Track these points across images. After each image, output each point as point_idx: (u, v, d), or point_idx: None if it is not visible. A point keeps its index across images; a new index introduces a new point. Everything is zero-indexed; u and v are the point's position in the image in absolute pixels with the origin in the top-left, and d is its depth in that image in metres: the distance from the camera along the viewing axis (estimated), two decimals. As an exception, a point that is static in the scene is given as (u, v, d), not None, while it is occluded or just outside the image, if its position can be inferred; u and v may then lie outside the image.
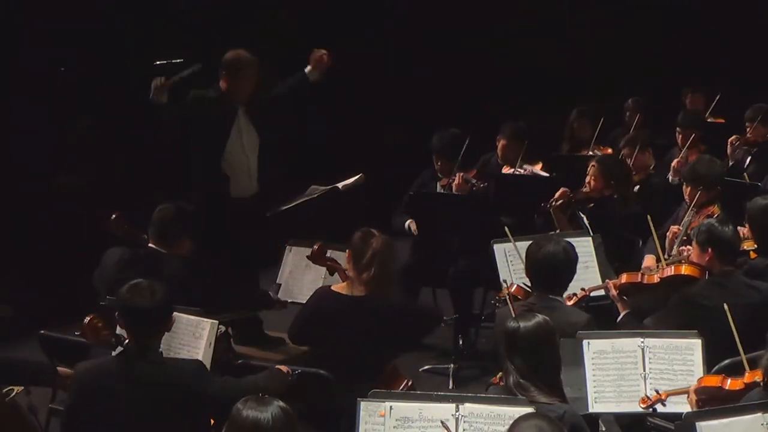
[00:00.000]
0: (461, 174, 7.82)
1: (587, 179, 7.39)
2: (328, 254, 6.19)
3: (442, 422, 4.21)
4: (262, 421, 3.74)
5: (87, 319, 4.88)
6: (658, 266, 6.01)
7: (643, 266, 6.46)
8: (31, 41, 8.43)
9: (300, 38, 9.63)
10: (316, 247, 6.15)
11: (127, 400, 4.58)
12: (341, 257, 6.07)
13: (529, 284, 5.65)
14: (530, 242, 5.68)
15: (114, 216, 6.11)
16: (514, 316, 4.65)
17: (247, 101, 6.86)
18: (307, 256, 6.25)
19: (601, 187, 7.34)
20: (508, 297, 5.25)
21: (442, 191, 7.92)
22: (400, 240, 8.10)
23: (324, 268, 6.23)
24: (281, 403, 3.80)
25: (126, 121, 8.90)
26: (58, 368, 5.25)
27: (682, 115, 8.98)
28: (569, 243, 5.58)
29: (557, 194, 7.23)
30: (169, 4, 9.12)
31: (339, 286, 5.74)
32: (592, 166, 7.42)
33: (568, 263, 5.47)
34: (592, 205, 7.30)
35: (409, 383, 5.73)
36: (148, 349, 4.70)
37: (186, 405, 4.61)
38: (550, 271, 5.44)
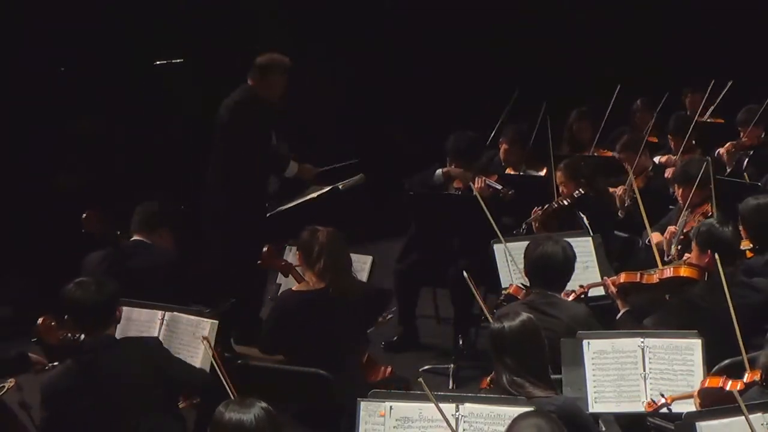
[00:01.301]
0: (483, 177, 7.73)
1: (560, 188, 7.40)
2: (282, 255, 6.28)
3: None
4: (246, 422, 3.75)
5: (39, 321, 4.89)
6: (655, 270, 6.00)
7: (653, 243, 6.47)
8: (31, 41, 8.44)
9: (300, 38, 9.66)
10: (265, 249, 6.19)
11: (96, 394, 4.64)
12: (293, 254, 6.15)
13: (527, 283, 5.66)
14: (527, 242, 5.71)
15: (86, 213, 6.10)
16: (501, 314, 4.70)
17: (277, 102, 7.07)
18: (259, 262, 6.28)
19: (572, 189, 7.34)
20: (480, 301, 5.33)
21: (458, 193, 7.83)
22: (399, 240, 8.11)
23: None
24: (263, 404, 3.82)
25: (126, 121, 8.91)
26: (30, 354, 5.26)
27: (672, 121, 8.94)
28: (567, 242, 5.61)
29: (532, 216, 7.24)
30: (169, 4, 9.12)
31: (298, 286, 5.83)
32: (558, 173, 7.43)
33: (567, 262, 5.50)
34: (570, 208, 7.28)
35: (388, 369, 5.78)
36: (103, 339, 4.74)
37: (151, 379, 4.71)
38: (549, 269, 5.47)
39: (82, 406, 4.63)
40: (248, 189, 7.22)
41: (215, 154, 7.29)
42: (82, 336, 4.76)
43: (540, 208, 7.27)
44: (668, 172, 8.32)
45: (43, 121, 8.51)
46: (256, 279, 7.25)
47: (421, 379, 4.16)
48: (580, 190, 7.29)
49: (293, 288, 5.84)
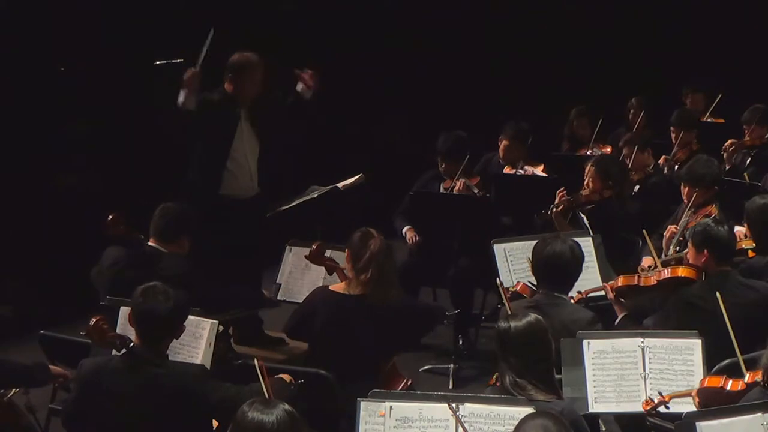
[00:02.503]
0: (463, 180, 7.76)
1: (585, 181, 7.39)
2: (327, 254, 6.21)
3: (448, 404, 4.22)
4: (267, 424, 3.71)
5: (93, 321, 4.87)
6: (653, 268, 6.00)
7: (639, 267, 6.46)
8: (31, 41, 8.43)
9: (300, 38, 9.67)
10: (314, 246, 6.17)
11: (129, 402, 4.59)
12: (339, 257, 6.08)
13: (535, 282, 5.66)
14: (526, 242, 5.70)
15: (111, 216, 6.08)
16: (509, 314, 4.68)
17: (252, 103, 6.92)
18: (306, 256, 6.26)
19: (599, 189, 7.33)
20: (504, 296, 5.28)
21: (453, 193, 7.86)
22: (400, 239, 8.12)
23: (323, 269, 6.24)
24: (287, 406, 3.77)
25: (126, 120, 8.91)
26: (51, 367, 5.26)
27: (675, 115, 9.00)
28: (576, 242, 5.59)
29: (557, 200, 7.24)
30: (169, 4, 9.12)
31: (337, 286, 5.76)
32: (590, 167, 7.42)
33: (575, 262, 5.48)
34: (591, 206, 7.29)
35: (409, 382, 5.75)
36: (155, 352, 4.70)
37: (188, 409, 4.62)
38: (556, 269, 5.45)
39: (111, 407, 4.61)
40: (200, 190, 7.10)
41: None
42: (132, 343, 4.73)
43: (563, 191, 7.28)
44: (662, 160, 8.42)
45: (43, 121, 8.50)
46: (251, 279, 7.24)
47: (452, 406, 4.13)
48: (610, 192, 7.30)
49: (330, 287, 5.78)
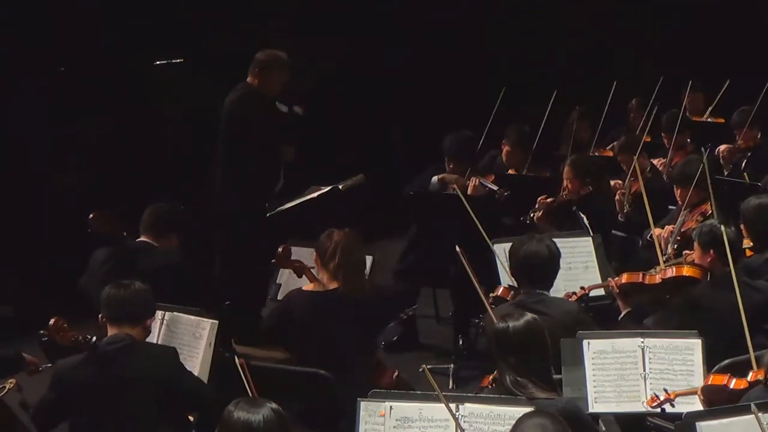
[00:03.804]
0: (477, 178, 7.72)
1: (564, 183, 7.40)
2: (293, 256, 6.26)
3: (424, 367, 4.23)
4: (254, 423, 3.72)
5: (51, 321, 4.90)
6: (657, 268, 6.00)
7: (653, 236, 6.44)
8: (31, 41, 8.44)
9: (300, 38, 9.66)
10: (280, 250, 6.21)
11: (107, 392, 4.65)
12: (306, 254, 6.15)
13: (515, 284, 5.67)
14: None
15: (92, 214, 6.09)
16: (493, 320, 4.71)
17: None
18: (273, 262, 6.29)
19: (577, 188, 7.34)
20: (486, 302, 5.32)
21: (452, 193, 7.82)
22: (398, 240, 8.12)
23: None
24: (273, 405, 3.79)
25: (126, 121, 8.92)
26: (24, 355, 5.28)
27: (665, 118, 8.96)
28: (551, 240, 5.63)
29: (537, 205, 7.25)
30: (169, 4, 9.12)
31: (309, 286, 5.84)
32: (566, 168, 7.43)
33: (552, 259, 5.52)
34: (574, 208, 7.29)
35: (395, 374, 5.79)
36: (121, 338, 4.76)
37: (160, 388, 4.71)
38: (534, 268, 5.48)
39: (90, 401, 4.65)
40: (256, 187, 7.23)
41: (221, 155, 7.29)
42: (93, 338, 4.76)
43: (545, 197, 7.27)
44: (658, 162, 8.40)
45: (43, 121, 8.51)
46: (259, 278, 7.26)
47: (425, 367, 4.16)
48: (589, 188, 7.30)
49: (303, 287, 5.84)
